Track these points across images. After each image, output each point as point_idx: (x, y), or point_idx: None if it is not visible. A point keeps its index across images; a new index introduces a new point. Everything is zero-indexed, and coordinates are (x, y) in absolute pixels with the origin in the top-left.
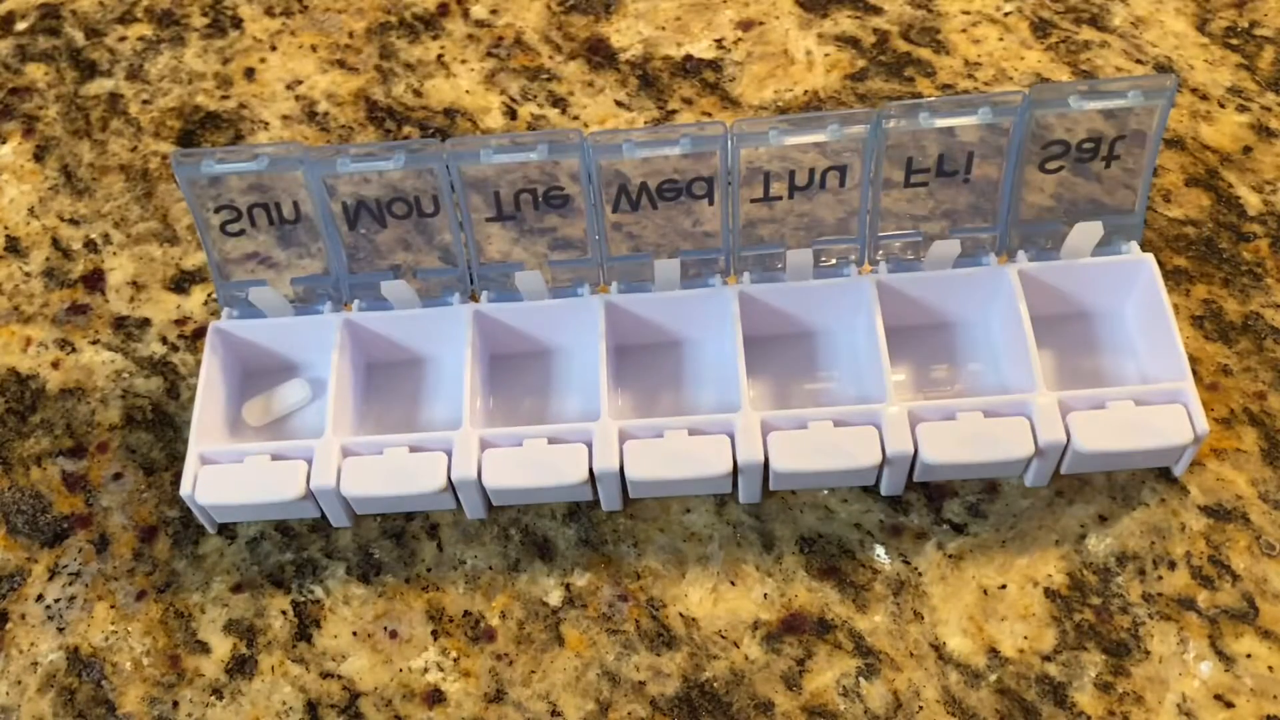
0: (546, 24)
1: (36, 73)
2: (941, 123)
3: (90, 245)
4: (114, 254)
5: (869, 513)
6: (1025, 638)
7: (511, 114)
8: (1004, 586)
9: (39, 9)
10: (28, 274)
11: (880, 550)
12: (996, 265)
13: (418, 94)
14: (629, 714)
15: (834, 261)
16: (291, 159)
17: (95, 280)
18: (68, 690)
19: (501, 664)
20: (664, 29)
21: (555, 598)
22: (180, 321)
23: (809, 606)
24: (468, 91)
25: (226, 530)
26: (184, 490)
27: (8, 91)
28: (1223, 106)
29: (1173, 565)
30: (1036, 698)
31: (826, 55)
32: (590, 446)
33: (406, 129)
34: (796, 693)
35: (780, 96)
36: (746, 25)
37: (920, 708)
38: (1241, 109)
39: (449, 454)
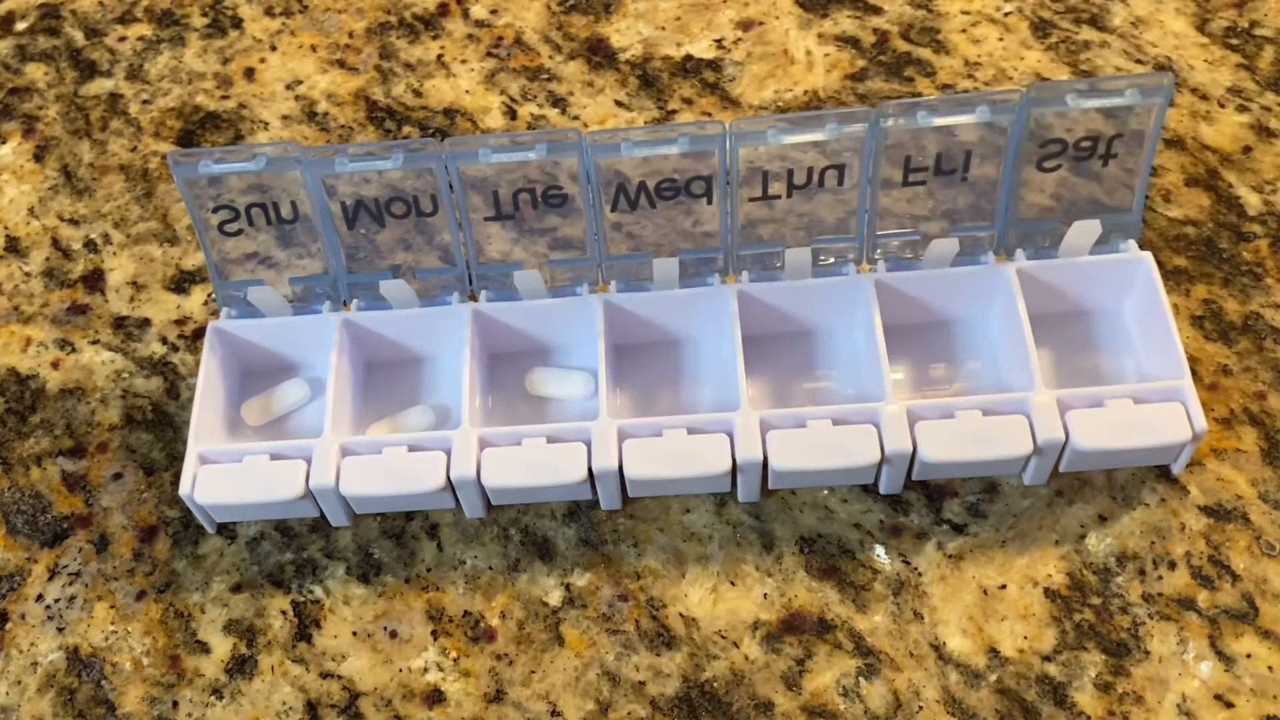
0: (546, 24)
1: (36, 73)
2: (940, 121)
3: (90, 245)
4: (114, 254)
5: (869, 513)
6: (1025, 638)
7: (511, 114)
8: (1004, 586)
9: (39, 9)
10: (28, 274)
11: (880, 550)
12: (995, 264)
13: (418, 94)
14: (629, 714)
15: (833, 260)
16: (289, 159)
17: (95, 280)
18: (68, 690)
19: (501, 664)
20: (664, 29)
21: (555, 598)
22: (180, 321)
23: (809, 606)
24: (468, 91)
25: (226, 530)
26: (183, 490)
27: (8, 91)
28: (1223, 106)
29: (1173, 565)
30: (1036, 698)
31: (826, 55)
32: (589, 445)
33: (406, 129)
34: (796, 693)
35: (780, 96)
36: (746, 25)
37: (920, 708)
38: (1241, 109)
39: (448, 453)
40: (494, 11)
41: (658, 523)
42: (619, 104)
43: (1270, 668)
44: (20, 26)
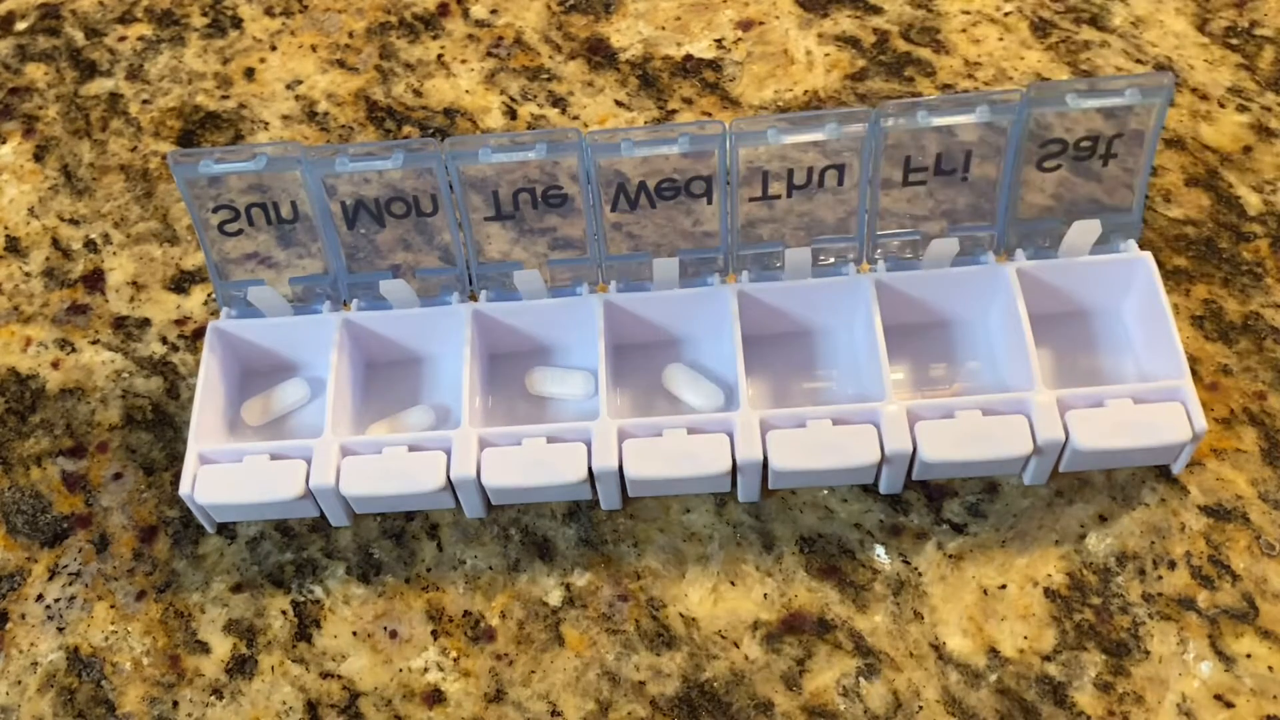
0: (546, 24)
1: (36, 73)
2: (939, 121)
3: (90, 245)
4: (114, 254)
5: (869, 512)
6: (1025, 638)
7: (511, 114)
8: (1004, 586)
9: (39, 9)
10: (28, 274)
11: (880, 550)
12: (995, 264)
13: (418, 94)
14: (629, 714)
15: (833, 260)
16: (290, 159)
17: (95, 280)
18: (68, 690)
19: (501, 664)
20: (664, 29)
21: (555, 598)
22: (180, 321)
23: (809, 606)
24: (468, 91)
25: (226, 530)
26: (183, 490)
27: (8, 91)
28: (1223, 106)
29: (1173, 565)
30: (1036, 698)
31: (826, 55)
32: (589, 445)
33: (406, 129)
34: (796, 693)
35: (780, 96)
36: (746, 25)
37: (920, 708)
38: (1241, 109)
39: (448, 453)
40: (494, 11)
41: (658, 523)
42: (619, 104)
43: (1270, 668)
44: (20, 26)
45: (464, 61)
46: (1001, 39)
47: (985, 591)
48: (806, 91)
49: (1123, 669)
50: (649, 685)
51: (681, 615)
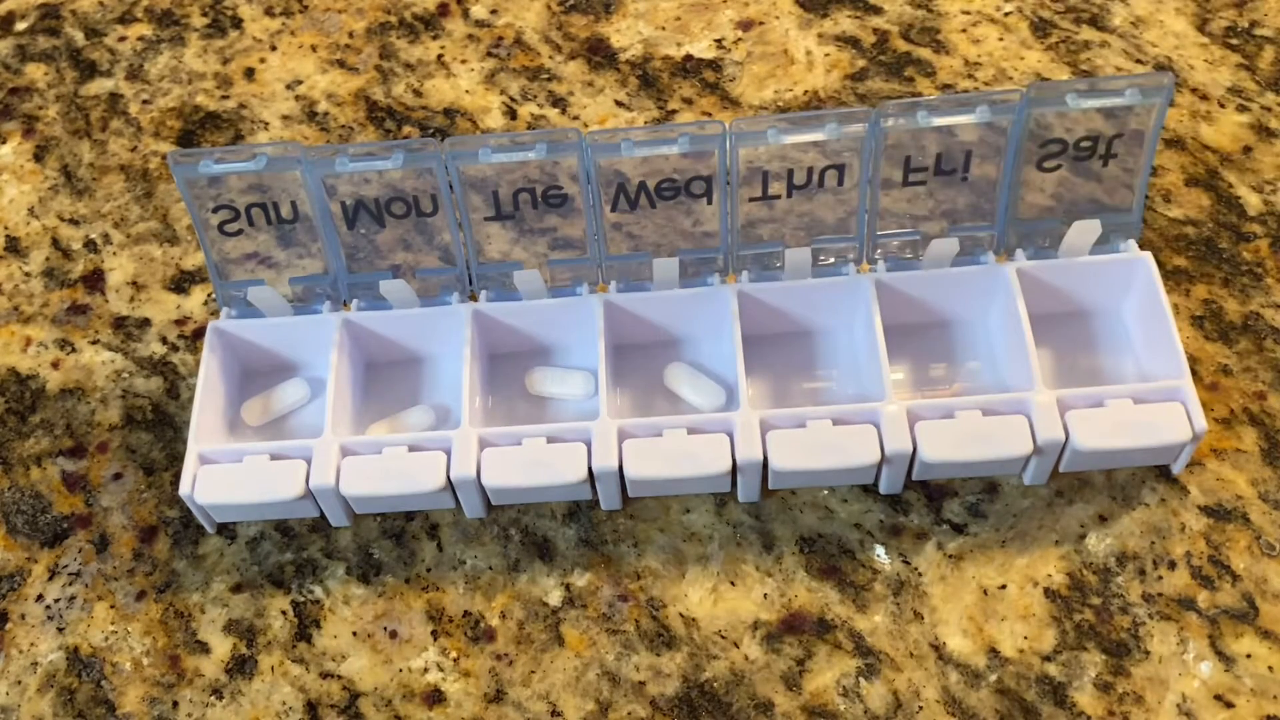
0: (546, 24)
1: (36, 73)
2: (940, 121)
3: (90, 245)
4: (114, 254)
5: (869, 513)
6: (1025, 638)
7: (511, 114)
8: (1004, 586)
9: (39, 9)
10: (28, 274)
11: (880, 550)
12: (995, 264)
13: (418, 94)
14: (629, 714)
15: (833, 260)
16: (290, 159)
17: (95, 280)
18: (68, 690)
19: (501, 664)
20: (664, 29)
21: (555, 598)
22: (180, 321)
23: (809, 606)
24: (468, 91)
25: (226, 530)
26: (183, 490)
27: (8, 91)
28: (1223, 106)
29: (1173, 565)
30: (1036, 698)
31: (826, 55)
32: (589, 445)
33: (406, 129)
34: (796, 693)
35: (780, 96)
36: (746, 25)
37: (920, 708)
38: (1241, 109)
39: (448, 453)
40: (494, 11)
41: (658, 523)
42: (619, 104)
43: (1270, 668)
44: (20, 26)
45: (464, 61)
46: (1001, 39)
47: (985, 591)
48: (806, 91)
49: (1123, 669)
50: (649, 685)
51: (681, 615)
